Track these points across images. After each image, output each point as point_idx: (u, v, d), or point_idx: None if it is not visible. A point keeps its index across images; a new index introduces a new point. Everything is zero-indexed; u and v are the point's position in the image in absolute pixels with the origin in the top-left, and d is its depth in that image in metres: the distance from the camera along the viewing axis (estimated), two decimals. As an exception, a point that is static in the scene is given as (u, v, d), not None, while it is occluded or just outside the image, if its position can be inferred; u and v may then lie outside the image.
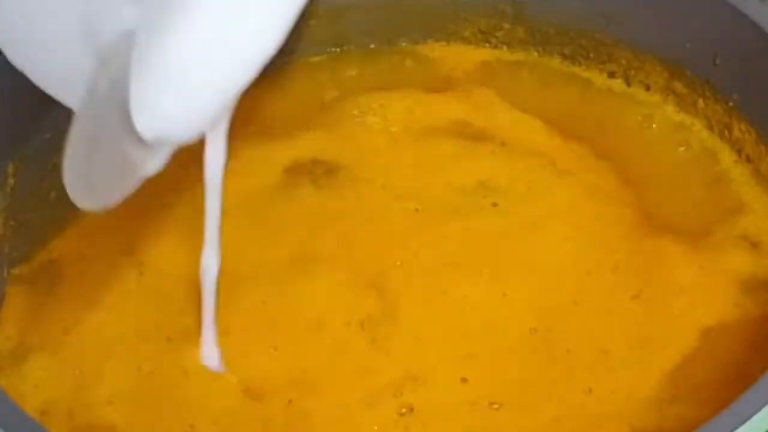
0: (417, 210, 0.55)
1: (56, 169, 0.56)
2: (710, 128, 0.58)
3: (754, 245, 0.53)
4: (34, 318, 0.53)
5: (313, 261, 0.53)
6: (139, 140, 0.38)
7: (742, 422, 0.39)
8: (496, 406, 0.48)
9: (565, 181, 0.56)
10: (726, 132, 0.57)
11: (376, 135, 0.59)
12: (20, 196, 0.55)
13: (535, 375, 0.49)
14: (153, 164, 0.40)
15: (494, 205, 0.55)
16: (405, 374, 0.49)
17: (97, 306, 0.53)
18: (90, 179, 0.41)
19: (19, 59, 0.42)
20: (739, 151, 0.56)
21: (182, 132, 0.40)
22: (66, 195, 0.57)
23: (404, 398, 0.48)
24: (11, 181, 0.54)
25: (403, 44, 0.64)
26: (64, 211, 0.57)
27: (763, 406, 0.40)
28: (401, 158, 0.58)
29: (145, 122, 0.38)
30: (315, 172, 0.57)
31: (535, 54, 0.62)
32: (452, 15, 0.62)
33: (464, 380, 0.49)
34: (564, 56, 0.62)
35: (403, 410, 0.48)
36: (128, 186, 0.41)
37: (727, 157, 0.57)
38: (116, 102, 0.39)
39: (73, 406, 0.49)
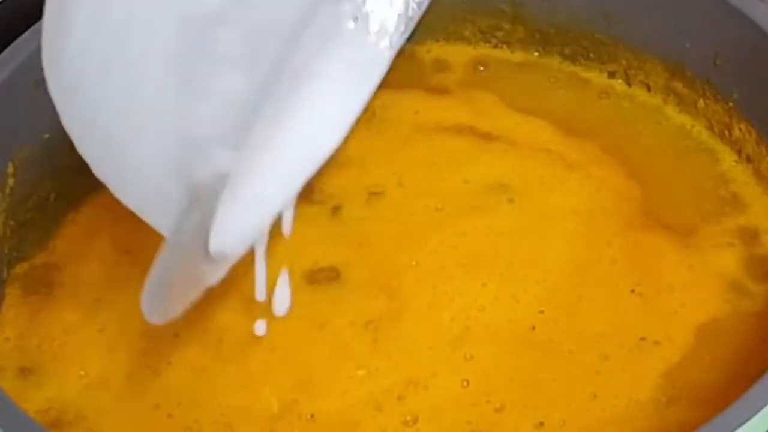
0: (437, 208, 0.55)
1: (56, 170, 0.57)
2: (710, 128, 0.58)
3: (754, 244, 0.53)
4: (35, 318, 0.53)
5: (325, 263, 0.54)
6: (208, 258, 0.43)
7: (741, 423, 0.39)
8: (498, 406, 0.48)
9: (575, 175, 0.56)
10: (726, 132, 0.57)
11: (384, 134, 0.59)
12: (20, 196, 0.55)
13: (537, 376, 0.49)
14: (217, 276, 0.45)
15: (510, 201, 0.55)
16: (405, 377, 0.49)
17: (98, 306, 0.53)
18: (161, 295, 0.44)
19: (111, 184, 0.44)
20: (739, 152, 0.56)
21: (248, 246, 0.47)
22: (65, 195, 0.58)
23: (406, 401, 0.48)
24: (11, 181, 0.54)
25: (403, 44, 0.63)
26: (64, 211, 0.57)
27: (762, 407, 0.40)
28: (415, 157, 0.58)
29: (222, 243, 0.43)
30: (321, 170, 0.57)
31: (535, 54, 0.62)
32: (452, 15, 0.62)
33: (465, 382, 0.49)
34: (564, 56, 0.62)
35: (407, 416, 0.48)
36: (194, 297, 0.46)
37: (727, 157, 0.57)
38: (198, 230, 0.42)
39: (80, 406, 0.49)
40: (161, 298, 0.44)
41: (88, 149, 0.43)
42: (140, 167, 0.42)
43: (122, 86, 0.40)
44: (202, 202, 0.41)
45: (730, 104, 0.56)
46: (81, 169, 0.58)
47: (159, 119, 0.40)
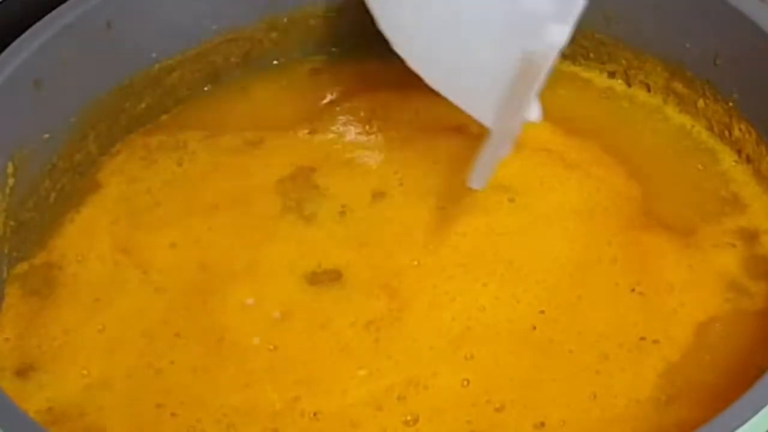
0: (438, 208, 0.55)
1: (56, 169, 0.57)
2: (710, 128, 0.58)
3: (754, 244, 0.53)
4: (35, 318, 0.53)
5: (327, 264, 0.54)
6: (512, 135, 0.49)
7: (742, 423, 0.39)
8: (498, 406, 0.48)
9: (575, 175, 0.56)
10: (726, 132, 0.57)
11: (385, 134, 0.59)
12: (20, 196, 0.55)
13: (537, 376, 0.49)
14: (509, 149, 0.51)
15: (511, 201, 0.55)
16: (405, 377, 0.49)
17: (98, 306, 0.53)
18: (489, 171, 0.51)
19: (434, 79, 0.52)
20: (739, 151, 0.56)
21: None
22: (65, 195, 0.58)
23: (406, 401, 0.48)
24: (11, 181, 0.54)
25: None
26: (64, 211, 0.57)
27: (762, 407, 0.40)
28: (416, 157, 0.58)
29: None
30: (323, 170, 0.57)
31: (535, 54, 0.62)
32: (452, 15, 0.62)
33: (465, 382, 0.49)
34: (564, 56, 0.62)
35: (407, 415, 0.48)
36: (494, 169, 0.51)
37: (727, 157, 0.57)
38: (518, 111, 0.48)
39: (81, 406, 0.49)
40: (485, 174, 0.51)
41: (414, 50, 0.51)
42: (470, 54, 0.49)
43: None
44: (525, 82, 0.47)
45: (730, 104, 0.56)
46: (81, 169, 0.59)
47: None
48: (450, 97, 0.52)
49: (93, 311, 0.53)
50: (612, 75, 0.61)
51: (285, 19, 0.62)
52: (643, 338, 0.50)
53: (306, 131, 0.59)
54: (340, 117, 0.60)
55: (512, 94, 0.48)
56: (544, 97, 0.60)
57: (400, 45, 0.53)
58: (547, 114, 0.59)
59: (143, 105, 0.60)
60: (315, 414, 0.48)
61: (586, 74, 0.61)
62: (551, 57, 0.46)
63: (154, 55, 0.60)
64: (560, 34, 0.46)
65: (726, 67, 0.56)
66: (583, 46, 0.61)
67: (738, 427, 0.39)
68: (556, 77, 0.61)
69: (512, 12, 0.47)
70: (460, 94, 0.52)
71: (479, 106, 0.51)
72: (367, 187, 0.57)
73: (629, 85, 0.60)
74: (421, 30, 0.52)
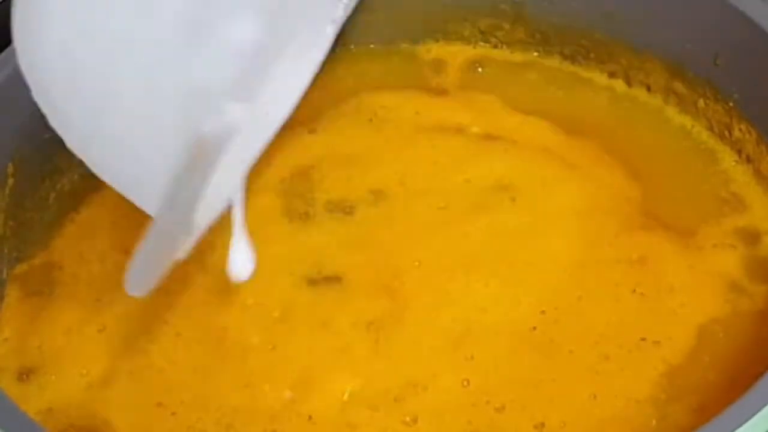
0: (439, 208, 0.55)
1: (56, 170, 0.57)
2: (711, 128, 0.58)
3: (754, 245, 0.53)
4: (35, 319, 0.53)
5: (328, 264, 0.54)
6: (184, 232, 0.43)
7: (742, 424, 0.40)
8: (498, 406, 0.48)
9: (575, 175, 0.56)
10: (726, 132, 0.57)
11: (385, 134, 0.59)
12: (20, 196, 0.55)
13: (537, 376, 0.49)
14: (187, 248, 0.44)
15: (512, 200, 0.55)
16: (405, 377, 0.49)
17: (99, 306, 0.53)
18: (148, 274, 0.44)
19: (95, 162, 0.44)
20: (739, 152, 0.56)
21: (217, 215, 0.46)
22: (65, 195, 0.58)
23: (405, 402, 0.48)
24: (11, 181, 0.54)
25: (403, 44, 0.64)
26: (63, 211, 0.57)
27: (762, 408, 0.40)
28: (416, 157, 0.58)
29: (208, 211, 0.43)
30: (323, 171, 0.57)
31: (535, 54, 0.62)
32: (452, 15, 0.62)
33: (466, 383, 0.49)
34: (564, 56, 0.62)
35: (406, 416, 0.48)
36: (166, 269, 0.44)
37: (727, 157, 0.57)
38: (188, 206, 0.41)
39: (82, 406, 0.50)
40: (148, 277, 0.44)
41: (69, 126, 0.43)
42: (133, 133, 0.41)
43: (109, 46, 0.39)
44: (197, 169, 0.40)
45: (731, 104, 0.56)
46: (81, 169, 0.58)
47: (159, 73, 0.39)
48: (115, 184, 0.44)
49: (93, 311, 0.53)
50: (612, 75, 0.61)
51: (285, 19, 0.62)
52: (643, 339, 0.50)
53: (306, 131, 0.59)
54: (340, 117, 0.60)
55: (183, 183, 0.40)
56: (544, 96, 0.61)
57: (61, 124, 0.45)
58: (547, 114, 0.59)
59: (143, 105, 0.60)
60: (313, 415, 0.48)
61: (586, 74, 0.61)
62: (228, 139, 0.39)
63: (154, 54, 0.59)
64: (239, 112, 0.38)
65: (726, 67, 0.56)
66: (583, 46, 0.61)
67: (738, 427, 0.40)
68: (555, 77, 0.62)
69: (182, 87, 0.39)
70: (125, 179, 0.44)
71: (147, 194, 0.43)
72: (368, 188, 0.57)
73: (629, 85, 0.60)
74: (84, 107, 0.43)
